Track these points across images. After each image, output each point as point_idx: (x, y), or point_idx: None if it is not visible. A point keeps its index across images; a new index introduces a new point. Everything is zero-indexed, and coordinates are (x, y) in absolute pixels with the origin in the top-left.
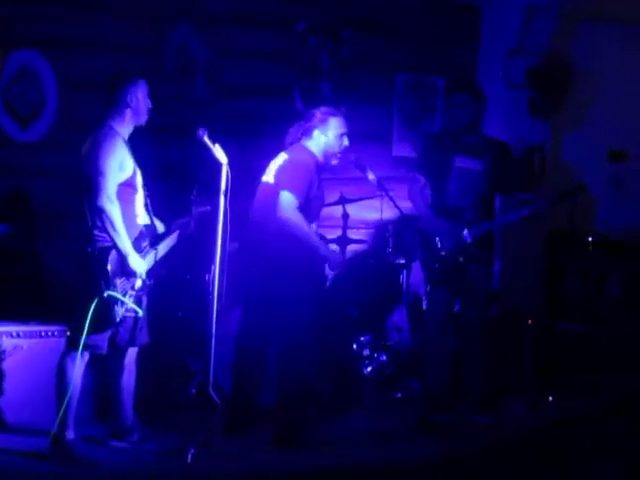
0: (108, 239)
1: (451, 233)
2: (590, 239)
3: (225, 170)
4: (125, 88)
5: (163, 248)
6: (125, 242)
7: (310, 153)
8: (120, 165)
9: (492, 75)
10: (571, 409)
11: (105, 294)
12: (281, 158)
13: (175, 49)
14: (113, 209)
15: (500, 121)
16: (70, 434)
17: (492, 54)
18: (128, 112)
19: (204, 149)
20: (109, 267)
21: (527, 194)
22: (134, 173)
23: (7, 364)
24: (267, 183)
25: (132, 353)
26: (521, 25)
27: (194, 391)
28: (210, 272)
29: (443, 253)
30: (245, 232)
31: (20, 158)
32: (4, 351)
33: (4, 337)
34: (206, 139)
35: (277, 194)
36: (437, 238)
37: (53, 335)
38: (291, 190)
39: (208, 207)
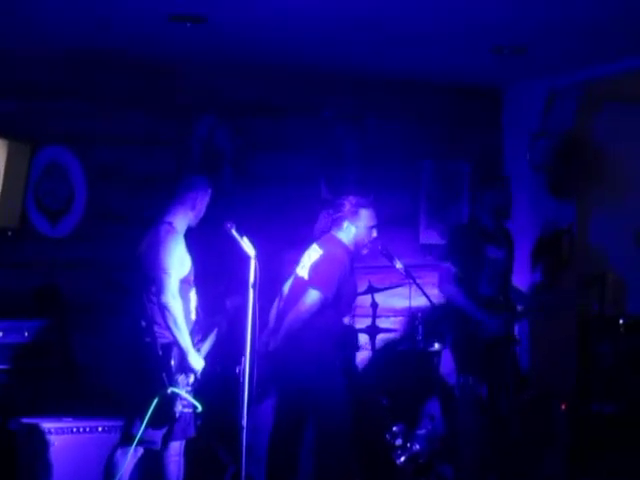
0: (168, 335)
1: (496, 322)
2: (621, 321)
3: (253, 263)
4: (197, 192)
5: (205, 348)
6: (187, 339)
7: (343, 246)
8: (180, 262)
9: (517, 157)
10: None
11: (169, 390)
12: (315, 252)
13: (200, 141)
14: (176, 306)
15: (527, 203)
16: None
17: (516, 137)
18: (190, 213)
19: (232, 242)
20: (172, 363)
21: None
22: (191, 270)
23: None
24: (302, 278)
25: (177, 446)
26: (544, 108)
27: None
28: (240, 364)
29: (485, 340)
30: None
31: (51, 253)
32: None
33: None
34: (234, 232)
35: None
36: (478, 326)
37: (84, 431)
38: (320, 288)
39: (239, 298)
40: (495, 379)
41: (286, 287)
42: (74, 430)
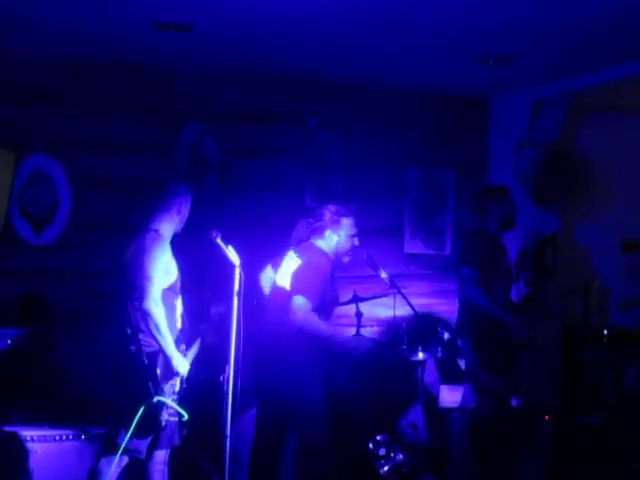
0: (153, 343)
1: (525, 325)
2: (605, 331)
3: (238, 272)
4: (181, 197)
5: (190, 356)
6: (170, 345)
7: (324, 254)
8: (166, 269)
9: (503, 167)
10: None
11: (155, 399)
12: (294, 261)
13: (187, 147)
14: (159, 313)
15: None
16: None
17: (502, 146)
18: (176, 219)
19: (217, 250)
20: (158, 372)
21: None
22: (177, 278)
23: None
24: (283, 289)
25: (162, 454)
26: (530, 117)
27: None
28: (224, 372)
29: (510, 343)
30: (259, 332)
31: (35, 261)
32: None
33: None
34: (219, 241)
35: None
36: (506, 329)
37: (67, 439)
38: (305, 294)
39: (224, 306)
40: (507, 383)
41: (263, 279)
42: (56, 438)
